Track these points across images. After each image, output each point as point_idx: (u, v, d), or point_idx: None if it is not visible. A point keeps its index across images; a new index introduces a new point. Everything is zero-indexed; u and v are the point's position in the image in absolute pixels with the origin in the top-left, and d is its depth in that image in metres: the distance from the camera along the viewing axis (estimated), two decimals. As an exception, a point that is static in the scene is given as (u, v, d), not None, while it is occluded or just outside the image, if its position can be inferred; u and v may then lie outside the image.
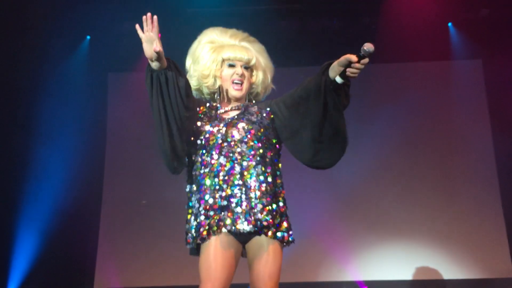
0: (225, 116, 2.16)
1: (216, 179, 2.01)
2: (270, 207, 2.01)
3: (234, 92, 2.18)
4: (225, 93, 2.21)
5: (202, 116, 2.15)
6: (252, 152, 2.05)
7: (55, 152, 5.22)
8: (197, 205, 2.05)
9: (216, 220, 1.98)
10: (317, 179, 5.12)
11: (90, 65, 5.62)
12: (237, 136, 2.07)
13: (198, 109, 2.16)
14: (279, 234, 2.03)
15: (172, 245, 4.83)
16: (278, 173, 2.12)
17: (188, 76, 2.23)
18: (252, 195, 1.99)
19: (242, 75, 2.19)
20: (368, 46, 1.96)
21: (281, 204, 2.08)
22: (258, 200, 1.98)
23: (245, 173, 2.01)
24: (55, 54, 5.37)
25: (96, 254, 5.30)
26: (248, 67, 2.22)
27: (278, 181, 2.11)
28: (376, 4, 5.26)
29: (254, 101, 2.28)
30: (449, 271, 5.04)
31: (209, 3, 5.07)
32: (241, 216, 1.96)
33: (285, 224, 2.06)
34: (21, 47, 5.07)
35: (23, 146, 5.21)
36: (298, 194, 4.78)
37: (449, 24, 5.54)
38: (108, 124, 5.69)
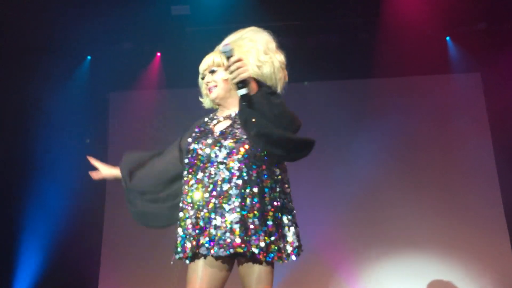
0: (216, 129, 2.12)
1: (197, 200, 2.00)
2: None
3: (209, 96, 2.20)
4: (215, 105, 2.24)
5: (194, 135, 2.14)
6: (230, 176, 1.97)
7: (56, 171, 5.23)
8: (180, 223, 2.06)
9: (195, 242, 1.96)
10: (323, 189, 5.13)
11: (91, 85, 5.66)
12: (220, 156, 2.00)
13: (191, 130, 2.20)
14: (256, 250, 1.92)
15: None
16: (266, 190, 2.00)
17: None
18: (228, 218, 1.92)
19: (210, 81, 2.18)
20: (223, 48, 1.93)
21: (269, 223, 1.96)
22: (232, 225, 1.91)
23: (222, 197, 1.95)
24: (56, 75, 5.41)
25: (99, 267, 5.30)
26: (212, 70, 2.17)
27: (266, 198, 1.99)
28: (373, 19, 5.32)
29: None
30: (463, 284, 4.99)
31: (207, 21, 5.12)
32: (216, 240, 1.91)
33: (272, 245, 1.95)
34: (21, 68, 5.12)
35: (24, 165, 5.22)
36: (304, 207, 4.76)
37: (447, 38, 5.58)
38: (109, 143, 5.70)
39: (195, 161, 2.04)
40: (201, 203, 1.97)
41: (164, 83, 5.63)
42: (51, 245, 5.11)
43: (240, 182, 1.95)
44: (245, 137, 2.00)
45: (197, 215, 1.97)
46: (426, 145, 5.48)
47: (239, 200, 1.93)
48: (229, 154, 1.98)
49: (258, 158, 2.01)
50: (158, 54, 5.67)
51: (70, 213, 5.17)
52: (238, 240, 1.88)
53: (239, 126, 2.04)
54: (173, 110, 5.63)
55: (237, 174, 1.95)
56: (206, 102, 2.29)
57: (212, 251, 1.90)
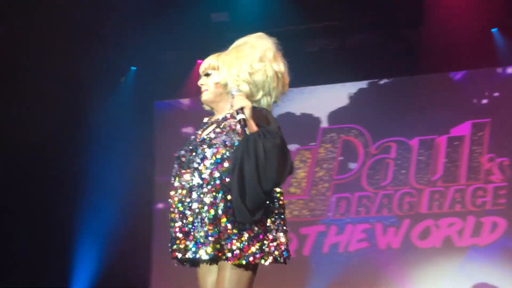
0: (203, 134, 2.11)
1: (177, 207, 2.03)
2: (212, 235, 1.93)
3: (201, 99, 2.20)
4: (209, 107, 2.23)
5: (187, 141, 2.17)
6: (202, 183, 1.96)
7: (104, 179, 5.38)
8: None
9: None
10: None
11: (136, 95, 5.80)
12: (194, 163, 1.99)
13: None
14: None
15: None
16: None
17: None
18: (200, 227, 1.95)
19: (203, 84, 2.18)
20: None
21: (246, 226, 1.92)
22: (202, 229, 1.94)
23: (196, 204, 1.96)
24: (102, 87, 5.57)
25: (150, 273, 5.41)
26: (207, 73, 2.17)
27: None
28: (415, 15, 5.20)
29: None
30: None
31: (246, 27, 5.14)
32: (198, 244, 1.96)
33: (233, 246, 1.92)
34: (67, 81, 5.26)
35: (75, 175, 5.40)
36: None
37: (493, 30, 5.40)
38: (156, 151, 5.82)
39: (177, 166, 2.07)
40: (182, 209, 2.01)
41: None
42: (105, 251, 5.28)
43: (210, 187, 1.95)
44: (219, 142, 1.99)
45: (183, 219, 2.01)
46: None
47: (212, 205, 1.94)
48: (202, 160, 1.98)
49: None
50: (199, 61, 5.73)
51: (121, 219, 5.31)
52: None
53: (219, 130, 2.04)
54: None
55: (208, 179, 1.95)
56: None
57: (197, 255, 1.94)
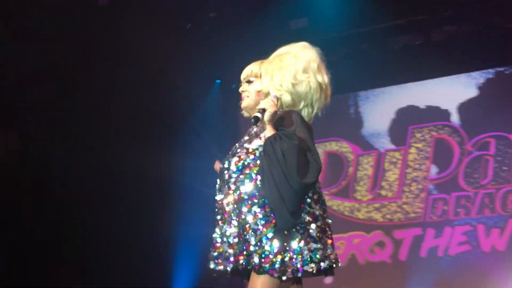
0: (240, 143, 2.09)
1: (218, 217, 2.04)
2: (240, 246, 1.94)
3: (241, 105, 2.19)
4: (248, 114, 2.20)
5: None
6: (231, 192, 1.98)
7: (197, 191, 5.55)
8: None
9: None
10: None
11: (222, 107, 5.95)
12: (229, 173, 2.00)
13: None
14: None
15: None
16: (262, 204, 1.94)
17: None
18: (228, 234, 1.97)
19: (245, 91, 2.17)
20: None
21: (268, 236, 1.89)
22: (231, 239, 1.96)
23: (227, 214, 1.99)
24: (189, 100, 5.76)
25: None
26: (249, 80, 2.16)
27: (258, 216, 1.92)
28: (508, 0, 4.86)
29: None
30: None
31: (325, 31, 5.11)
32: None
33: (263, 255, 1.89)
34: (158, 92, 5.47)
35: (165, 184, 5.62)
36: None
37: None
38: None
39: (219, 181, 2.08)
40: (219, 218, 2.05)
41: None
42: (201, 258, 5.48)
43: (236, 198, 1.96)
44: (243, 150, 1.99)
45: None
46: None
47: (236, 217, 1.95)
48: (227, 170, 2.01)
49: (250, 176, 1.97)
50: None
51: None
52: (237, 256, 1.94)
53: (247, 138, 2.05)
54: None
55: (233, 189, 1.97)
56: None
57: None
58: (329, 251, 1.92)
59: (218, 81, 6.05)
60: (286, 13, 5.11)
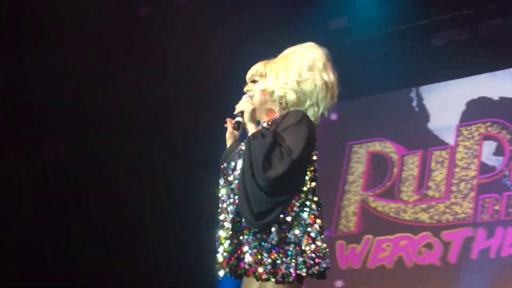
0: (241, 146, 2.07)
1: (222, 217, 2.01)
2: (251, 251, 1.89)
3: None
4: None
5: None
6: (230, 193, 1.98)
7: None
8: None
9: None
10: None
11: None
12: (228, 174, 2.01)
13: None
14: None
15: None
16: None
17: None
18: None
19: (250, 90, 2.13)
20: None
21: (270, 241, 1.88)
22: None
23: (223, 215, 1.98)
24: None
25: None
26: (254, 80, 2.14)
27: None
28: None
29: (277, 116, 2.07)
30: None
31: (366, 29, 5.05)
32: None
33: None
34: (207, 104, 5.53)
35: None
36: None
37: None
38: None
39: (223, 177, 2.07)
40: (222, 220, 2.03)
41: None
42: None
43: (233, 200, 1.97)
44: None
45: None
46: None
47: (232, 216, 1.94)
48: (232, 171, 2.00)
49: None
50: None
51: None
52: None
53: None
54: (340, 123, 5.64)
55: (235, 190, 1.95)
56: None
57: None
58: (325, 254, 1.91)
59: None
60: (326, 12, 5.07)
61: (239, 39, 5.28)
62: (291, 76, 2.02)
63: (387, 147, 5.68)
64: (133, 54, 4.81)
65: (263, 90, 2.11)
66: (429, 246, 5.28)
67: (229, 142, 2.12)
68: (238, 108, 1.99)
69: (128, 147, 5.10)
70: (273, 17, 5.05)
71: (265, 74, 2.11)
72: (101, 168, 4.94)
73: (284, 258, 1.83)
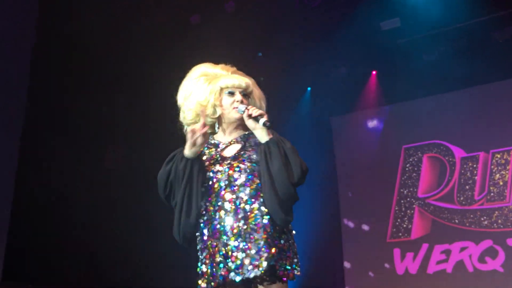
0: (227, 153, 2.16)
1: (218, 226, 2.05)
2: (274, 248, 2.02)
3: (234, 114, 2.17)
4: (226, 122, 2.21)
5: (203, 158, 2.16)
6: (255, 194, 2.06)
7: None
8: (200, 254, 2.10)
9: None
10: None
11: (313, 113, 5.96)
12: (240, 180, 2.07)
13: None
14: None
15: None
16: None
17: (182, 114, 2.26)
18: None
19: (242, 102, 2.17)
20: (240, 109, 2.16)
21: (282, 241, 2.06)
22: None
23: (251, 216, 2.02)
24: (282, 108, 5.81)
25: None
26: (246, 94, 2.22)
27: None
28: None
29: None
30: None
31: (419, 30, 4.92)
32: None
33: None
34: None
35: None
36: None
37: None
38: (337, 165, 5.85)
39: (214, 188, 2.11)
40: (217, 231, 2.10)
41: (382, 100, 5.61)
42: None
43: (262, 200, 2.08)
44: (254, 158, 2.12)
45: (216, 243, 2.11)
46: None
47: (264, 220, 2.07)
48: (249, 176, 2.08)
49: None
50: (374, 72, 5.66)
51: (312, 234, 5.44)
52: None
53: (251, 148, 2.15)
54: (394, 125, 5.53)
55: (259, 194, 2.09)
56: (210, 111, 2.21)
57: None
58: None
59: (309, 89, 6.05)
60: (377, 14, 4.98)
61: (290, 46, 5.31)
62: (265, 106, 2.31)
63: (444, 150, 5.49)
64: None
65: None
66: (492, 252, 5.05)
67: (200, 147, 2.14)
68: (259, 111, 2.11)
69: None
70: (327, 19, 5.01)
71: (250, 93, 2.25)
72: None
73: (291, 259, 2.05)
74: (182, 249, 2.21)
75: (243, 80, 2.23)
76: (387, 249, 5.38)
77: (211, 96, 2.19)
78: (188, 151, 2.08)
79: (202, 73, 2.25)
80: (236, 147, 2.19)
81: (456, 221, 5.24)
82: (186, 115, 2.23)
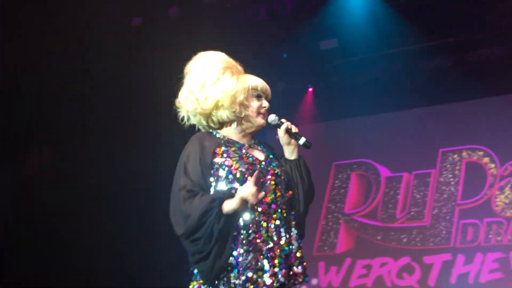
0: (255, 155, 2.01)
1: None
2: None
3: (261, 121, 2.03)
4: (245, 124, 2.02)
5: (224, 154, 1.95)
6: (288, 199, 2.04)
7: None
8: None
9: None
10: None
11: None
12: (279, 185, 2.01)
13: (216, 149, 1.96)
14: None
15: None
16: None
17: (193, 98, 1.99)
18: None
19: (266, 108, 2.07)
20: (271, 119, 2.10)
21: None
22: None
23: (292, 222, 2.10)
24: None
25: None
26: (269, 100, 2.08)
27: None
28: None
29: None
30: None
31: (355, 52, 5.11)
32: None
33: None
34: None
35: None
36: None
37: None
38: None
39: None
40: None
41: (317, 117, 5.75)
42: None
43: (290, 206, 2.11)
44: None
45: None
46: None
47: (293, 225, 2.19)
48: (282, 180, 2.03)
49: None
50: (310, 89, 5.82)
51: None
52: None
53: (273, 154, 2.11)
54: (327, 142, 5.69)
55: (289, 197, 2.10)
56: (238, 110, 1.99)
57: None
58: None
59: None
60: (316, 33, 5.13)
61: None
62: None
63: (371, 169, 5.72)
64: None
65: None
66: (409, 268, 5.29)
67: None
68: (296, 128, 2.09)
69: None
70: (268, 36, 5.09)
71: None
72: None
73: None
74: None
75: (266, 86, 2.08)
76: (313, 262, 5.50)
77: (241, 93, 1.98)
78: (254, 198, 1.83)
79: (227, 64, 2.04)
80: (259, 152, 2.04)
81: (379, 237, 5.46)
82: (203, 104, 1.96)
